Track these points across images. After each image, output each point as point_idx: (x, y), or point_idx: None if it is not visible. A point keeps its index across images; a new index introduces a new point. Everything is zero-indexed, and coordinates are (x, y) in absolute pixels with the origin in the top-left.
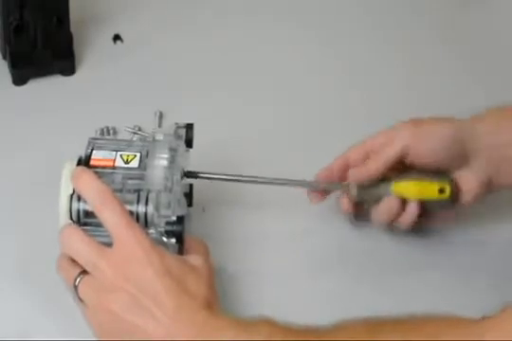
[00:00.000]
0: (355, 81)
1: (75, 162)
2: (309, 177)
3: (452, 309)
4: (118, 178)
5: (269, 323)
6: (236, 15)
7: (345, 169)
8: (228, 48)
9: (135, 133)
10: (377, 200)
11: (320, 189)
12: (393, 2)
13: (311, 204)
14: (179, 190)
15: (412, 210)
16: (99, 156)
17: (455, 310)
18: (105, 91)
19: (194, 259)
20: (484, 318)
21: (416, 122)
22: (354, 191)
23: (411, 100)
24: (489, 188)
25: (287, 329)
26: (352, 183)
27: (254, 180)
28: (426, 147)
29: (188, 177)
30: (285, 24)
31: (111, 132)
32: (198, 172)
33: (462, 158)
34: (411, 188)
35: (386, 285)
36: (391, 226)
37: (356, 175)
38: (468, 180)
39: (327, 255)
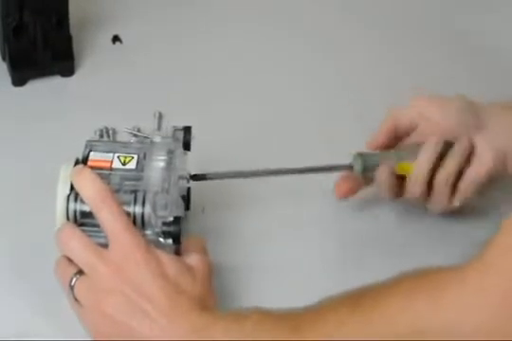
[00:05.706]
0: (353, 84)
1: (72, 164)
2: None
3: None
4: (116, 179)
5: (259, 310)
6: (235, 18)
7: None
8: (227, 50)
9: (134, 134)
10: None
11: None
12: (390, 4)
13: (337, 198)
14: (176, 192)
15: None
16: (96, 158)
17: None
18: (104, 92)
19: (191, 258)
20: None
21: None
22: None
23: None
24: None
25: (277, 315)
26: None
27: (260, 173)
28: (441, 110)
29: (195, 180)
30: (284, 26)
31: (110, 133)
32: (205, 174)
33: (475, 127)
34: None
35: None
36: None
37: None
38: (483, 145)
39: (328, 254)
